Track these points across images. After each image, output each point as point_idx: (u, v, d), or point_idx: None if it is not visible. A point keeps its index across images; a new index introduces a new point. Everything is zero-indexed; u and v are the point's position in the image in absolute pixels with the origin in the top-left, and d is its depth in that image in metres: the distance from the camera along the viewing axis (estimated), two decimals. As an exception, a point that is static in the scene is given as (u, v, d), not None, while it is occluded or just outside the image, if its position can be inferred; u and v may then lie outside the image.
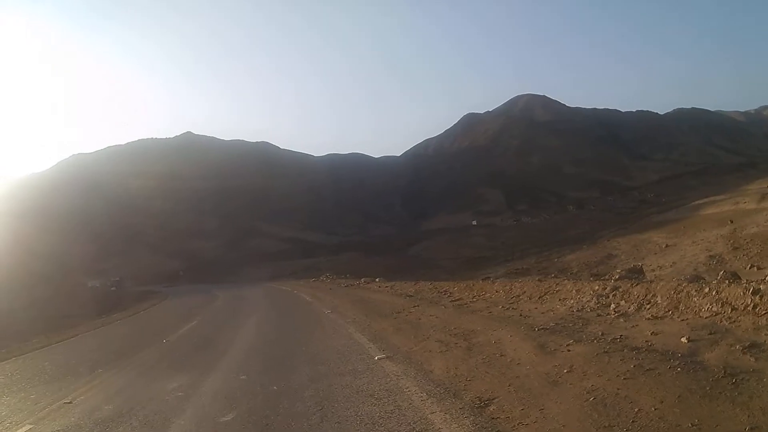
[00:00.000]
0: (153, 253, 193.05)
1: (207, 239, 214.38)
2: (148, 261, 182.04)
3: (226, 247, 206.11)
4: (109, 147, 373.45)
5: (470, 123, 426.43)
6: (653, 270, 51.65)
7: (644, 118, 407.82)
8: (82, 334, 30.24)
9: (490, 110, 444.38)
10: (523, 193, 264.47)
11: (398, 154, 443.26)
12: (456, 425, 7.90)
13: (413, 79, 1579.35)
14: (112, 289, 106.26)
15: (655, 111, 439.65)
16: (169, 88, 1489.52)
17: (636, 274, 22.89)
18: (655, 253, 61.99)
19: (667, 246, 63.31)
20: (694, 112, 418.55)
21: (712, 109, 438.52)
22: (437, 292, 26.83)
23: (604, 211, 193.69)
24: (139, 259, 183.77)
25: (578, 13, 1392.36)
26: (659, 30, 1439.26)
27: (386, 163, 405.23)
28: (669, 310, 12.07)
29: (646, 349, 9.48)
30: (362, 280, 52.75)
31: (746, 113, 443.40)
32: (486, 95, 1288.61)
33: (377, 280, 50.01)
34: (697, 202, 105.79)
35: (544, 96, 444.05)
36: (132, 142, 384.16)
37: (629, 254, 66.40)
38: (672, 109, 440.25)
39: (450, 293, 25.32)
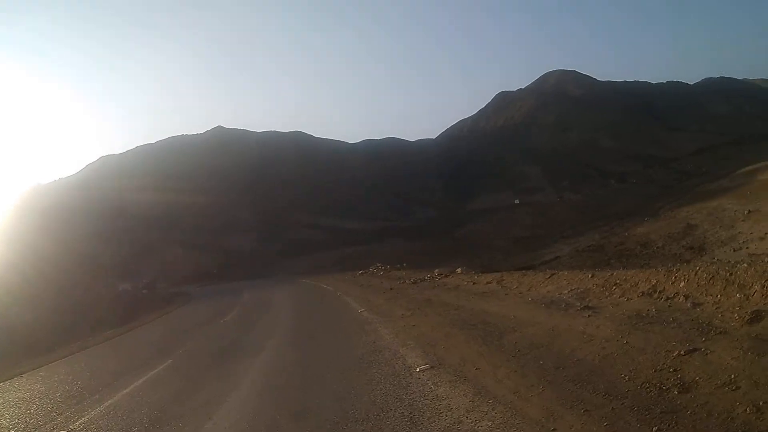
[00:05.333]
0: (189, 251, 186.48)
1: (244, 233, 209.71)
2: (184, 259, 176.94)
3: (264, 240, 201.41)
4: (138, 147, 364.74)
5: (503, 101, 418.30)
6: (762, 238, 46.98)
7: (675, 88, 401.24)
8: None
9: (522, 87, 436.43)
10: (564, 169, 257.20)
11: (434, 137, 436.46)
12: None
13: (442, 60, 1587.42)
14: (144, 291, 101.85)
15: (684, 81, 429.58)
16: (197, 84, 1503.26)
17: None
18: (742, 220, 55.24)
19: (749, 212, 56.28)
20: (724, 81, 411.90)
21: (739, 78, 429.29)
22: (649, 299, 12.94)
23: (647, 184, 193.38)
24: (174, 258, 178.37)
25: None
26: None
27: (422, 145, 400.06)
28: None
29: None
30: (436, 272, 36.64)
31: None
32: (515, 73, 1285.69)
33: (459, 270, 34.76)
34: (745, 169, 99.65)
35: (575, 71, 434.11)
36: (162, 140, 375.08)
37: (712, 223, 59.57)
38: (701, 79, 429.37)
39: (697, 303, 11.26)
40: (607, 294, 14.67)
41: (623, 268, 21.68)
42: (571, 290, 16.47)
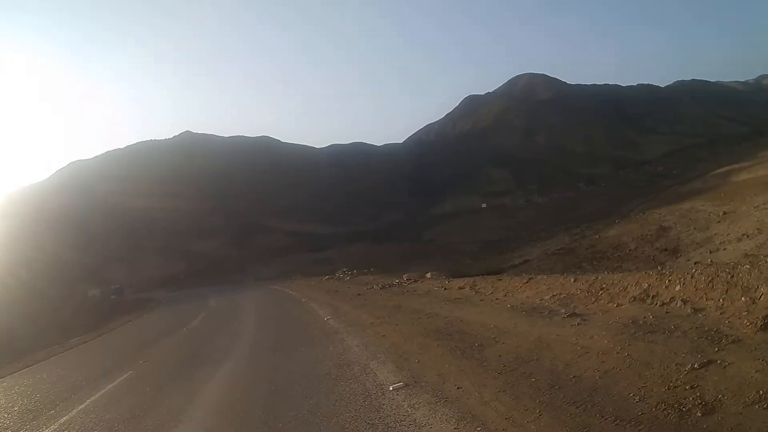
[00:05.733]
0: (158, 257, 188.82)
1: (212, 238, 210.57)
2: (153, 265, 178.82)
3: (232, 245, 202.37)
4: (108, 152, 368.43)
5: (471, 105, 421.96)
6: (739, 239, 45.27)
7: (646, 91, 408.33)
8: None
9: (491, 91, 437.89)
10: (532, 172, 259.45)
11: (401, 141, 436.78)
12: None
13: (409, 65, 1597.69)
14: (113, 297, 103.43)
15: (656, 84, 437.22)
16: (165, 88, 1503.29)
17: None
18: (718, 222, 53.65)
19: (724, 213, 54.90)
20: (696, 83, 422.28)
21: (712, 81, 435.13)
22: (642, 305, 12.11)
23: (617, 186, 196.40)
24: (143, 263, 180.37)
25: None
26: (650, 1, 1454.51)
27: (389, 150, 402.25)
28: None
29: None
30: (405, 276, 35.72)
31: (746, 83, 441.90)
32: (483, 77, 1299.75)
33: (429, 275, 34.14)
34: (719, 171, 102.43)
35: (544, 74, 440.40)
36: (131, 145, 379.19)
37: (686, 225, 57.70)
38: (673, 82, 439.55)
39: (698, 308, 10.65)
40: (593, 299, 13.83)
41: (609, 272, 20.70)
42: (553, 296, 15.62)
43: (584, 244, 68.83)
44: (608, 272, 18.61)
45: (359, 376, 11.78)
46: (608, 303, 12.95)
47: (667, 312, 10.88)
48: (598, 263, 53.02)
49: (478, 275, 30.73)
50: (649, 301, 11.88)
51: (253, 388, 12.89)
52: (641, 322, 10.66)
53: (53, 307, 66.83)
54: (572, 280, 16.41)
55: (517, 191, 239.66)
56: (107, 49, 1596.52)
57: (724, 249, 44.50)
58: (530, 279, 19.30)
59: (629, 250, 57.00)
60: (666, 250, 52.91)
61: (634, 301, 12.26)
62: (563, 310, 13.50)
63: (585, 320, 12.02)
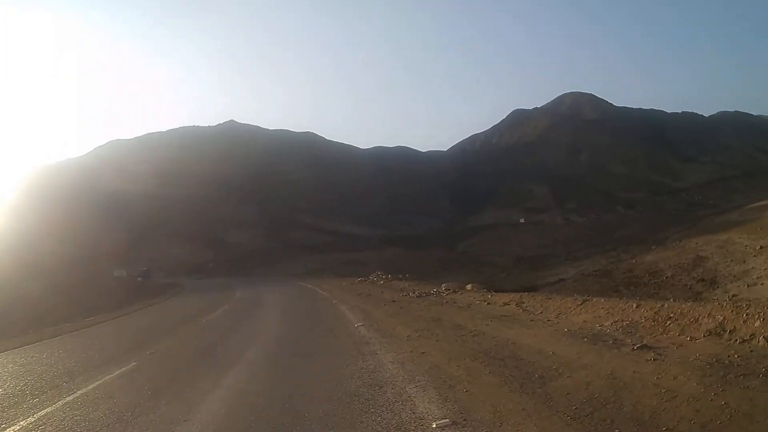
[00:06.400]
0: (188, 243, 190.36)
1: (245, 229, 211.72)
2: (182, 250, 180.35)
3: (265, 237, 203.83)
4: (149, 134, 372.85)
5: (518, 119, 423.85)
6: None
7: (690, 119, 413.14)
8: None
9: (538, 107, 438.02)
10: (572, 191, 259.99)
11: (445, 149, 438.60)
12: None
13: (459, 75, 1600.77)
14: (138, 279, 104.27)
15: (700, 113, 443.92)
16: (213, 76, 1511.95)
17: None
18: (754, 256, 54.07)
19: (761, 247, 55.25)
20: (738, 115, 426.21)
21: (754, 113, 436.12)
22: (719, 340, 11.05)
23: (654, 212, 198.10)
24: (173, 248, 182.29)
25: (615, 13, 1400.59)
26: (698, 32, 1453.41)
27: (433, 157, 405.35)
28: None
29: None
30: (443, 286, 33.59)
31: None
32: (532, 92, 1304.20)
33: (469, 287, 31.74)
34: (756, 204, 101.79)
35: (591, 94, 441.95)
36: (173, 129, 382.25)
37: (722, 256, 57.98)
38: (716, 112, 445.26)
39: None
40: (661, 330, 12.21)
41: (647, 298, 19.41)
42: (614, 322, 13.85)
43: (621, 267, 68.60)
44: (649, 298, 17.90)
45: (393, 404, 9.60)
46: (679, 335, 11.40)
47: (751, 351, 9.60)
48: (635, 288, 52.71)
49: (512, 290, 29.81)
50: (726, 336, 10.56)
51: (264, 403, 10.83)
52: (726, 361, 9.10)
53: (76, 283, 67.11)
54: (634, 305, 14.69)
55: (556, 209, 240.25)
56: (159, 30, 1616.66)
57: (762, 284, 44.58)
58: (585, 301, 17.57)
59: (666, 278, 56.21)
60: (703, 280, 52.82)
61: (709, 335, 10.84)
62: (629, 340, 11.75)
63: (660, 355, 10.19)
